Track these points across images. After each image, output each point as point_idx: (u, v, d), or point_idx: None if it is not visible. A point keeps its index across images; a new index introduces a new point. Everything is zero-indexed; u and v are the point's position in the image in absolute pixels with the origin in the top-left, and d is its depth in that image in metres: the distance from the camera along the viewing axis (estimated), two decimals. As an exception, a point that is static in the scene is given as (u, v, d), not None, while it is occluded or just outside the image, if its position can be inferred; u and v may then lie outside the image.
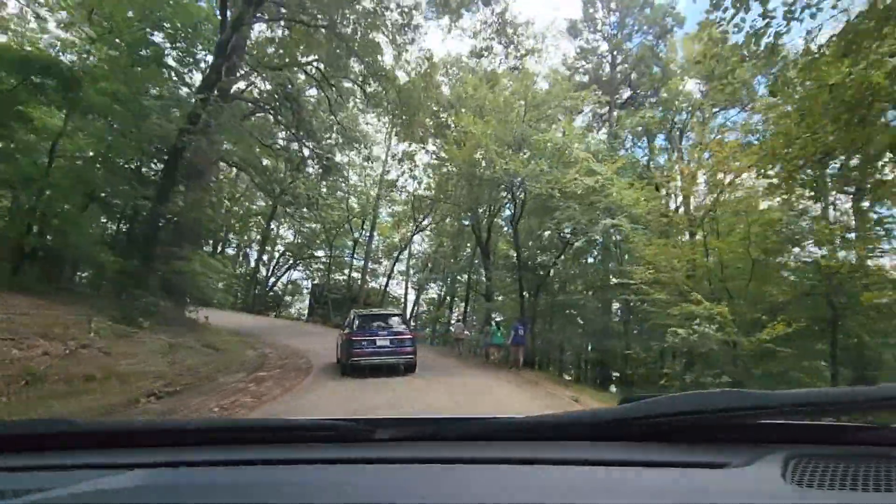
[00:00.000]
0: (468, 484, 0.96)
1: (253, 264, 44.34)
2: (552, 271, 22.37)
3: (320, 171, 25.72)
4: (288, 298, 52.57)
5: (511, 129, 17.84)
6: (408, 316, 44.91)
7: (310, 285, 49.72)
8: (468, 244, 35.34)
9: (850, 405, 1.06)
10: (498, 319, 23.97)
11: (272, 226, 46.78)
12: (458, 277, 37.13)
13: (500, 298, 31.10)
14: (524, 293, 21.54)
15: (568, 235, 18.74)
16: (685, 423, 1.08)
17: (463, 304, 41.68)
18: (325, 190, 38.57)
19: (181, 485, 0.99)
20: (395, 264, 42.87)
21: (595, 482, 0.95)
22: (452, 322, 26.94)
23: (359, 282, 41.68)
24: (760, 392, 1.07)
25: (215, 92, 13.17)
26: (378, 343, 11.46)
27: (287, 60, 18.15)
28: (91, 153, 14.81)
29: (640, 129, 21.70)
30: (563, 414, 1.30)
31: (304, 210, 29.80)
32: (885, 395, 1.01)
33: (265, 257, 47.34)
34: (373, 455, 1.09)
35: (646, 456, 1.03)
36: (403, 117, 26.10)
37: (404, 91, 18.19)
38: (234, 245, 48.61)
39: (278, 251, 47.35)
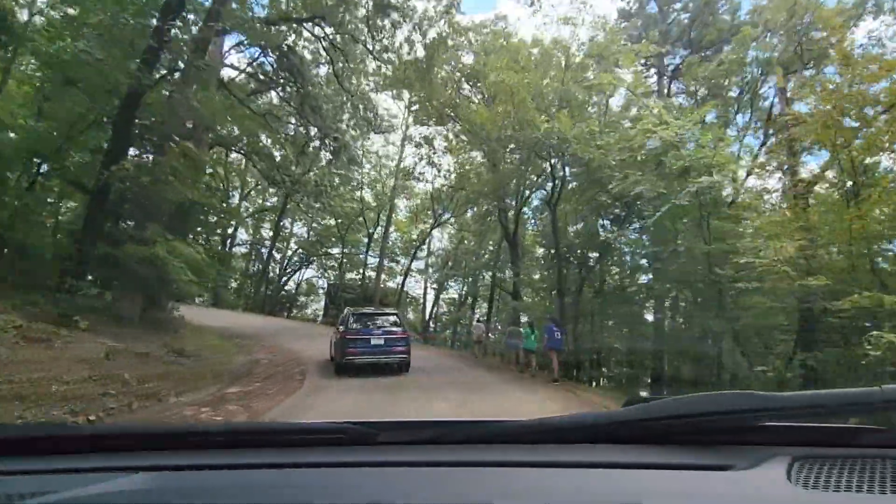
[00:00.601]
0: (473, 487, 0.96)
1: (265, 262, 41.92)
2: (596, 263, 19.00)
3: (329, 154, 23.05)
4: (303, 299, 50.40)
5: (552, 85, 14.66)
6: (427, 317, 42.46)
7: (325, 285, 47.26)
8: (492, 239, 32.29)
9: (856, 407, 1.04)
10: (528, 320, 20.58)
11: (285, 223, 44.73)
12: (482, 275, 33.97)
13: (528, 299, 28.07)
14: (561, 288, 18.35)
15: (621, 214, 15.34)
16: (689, 425, 1.08)
17: (486, 304, 38.84)
18: (337, 179, 36.13)
19: (186, 488, 0.98)
20: (412, 261, 40.01)
21: (599, 485, 0.95)
22: (473, 323, 23.44)
23: (374, 281, 38.97)
24: (764, 394, 1.08)
25: (177, 21, 10.50)
26: (372, 342, 11.18)
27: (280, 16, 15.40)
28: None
29: (712, 82, 17.51)
30: (566, 416, 1.28)
31: (314, 202, 27.05)
32: (887, 398, 0.98)
33: (278, 255, 45.17)
34: (378, 458, 1.10)
35: (649, 458, 1.03)
36: (422, 94, 23.39)
37: (428, 50, 15.17)
38: (246, 243, 46.71)
39: (291, 249, 45.05)
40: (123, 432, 1.36)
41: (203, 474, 1.05)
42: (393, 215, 38.35)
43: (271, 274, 44.04)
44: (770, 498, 0.87)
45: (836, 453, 1.01)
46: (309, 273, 47.87)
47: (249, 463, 1.08)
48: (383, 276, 41.37)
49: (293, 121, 22.74)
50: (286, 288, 45.38)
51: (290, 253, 45.05)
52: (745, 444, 1.06)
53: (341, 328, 11.85)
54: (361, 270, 41.55)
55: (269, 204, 43.15)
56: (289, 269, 45.60)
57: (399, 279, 41.38)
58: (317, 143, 21.75)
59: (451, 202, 34.24)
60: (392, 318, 12.40)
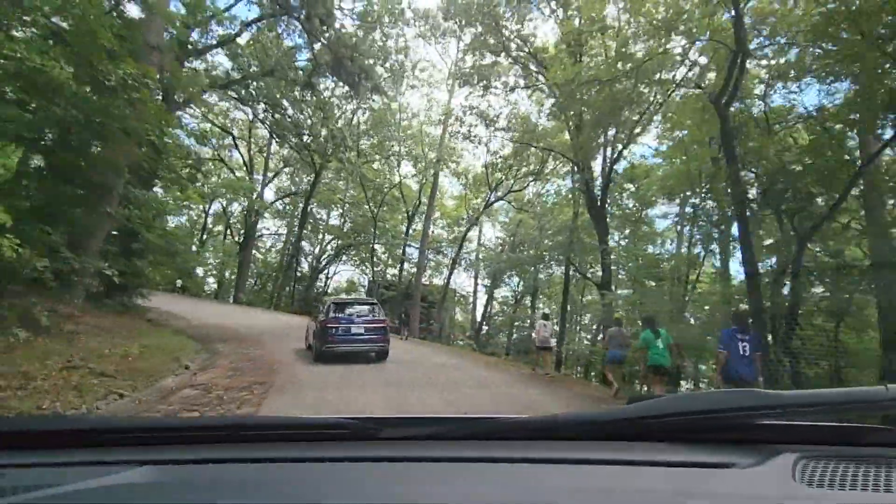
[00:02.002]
0: (476, 482, 0.96)
1: (290, 255, 36.58)
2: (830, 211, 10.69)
3: (350, 90, 16.97)
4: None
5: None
6: (478, 319, 36.10)
7: (366, 282, 41.59)
8: (562, 215, 25.29)
9: (860, 406, 1.03)
10: (648, 315, 12.53)
11: (321, 213, 39.32)
12: (551, 263, 26.78)
13: (624, 291, 20.95)
14: (752, 264, 10.78)
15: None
16: (692, 423, 1.08)
17: (553, 304, 31.74)
18: (365, 141, 30.21)
19: (191, 482, 0.99)
20: (459, 250, 33.38)
21: (602, 482, 0.95)
22: (536, 322, 15.19)
23: (414, 276, 32.71)
24: (769, 392, 1.06)
25: None
26: (353, 331, 11.20)
27: None
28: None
29: None
30: (569, 414, 1.35)
31: (330, 157, 20.89)
32: (893, 397, 0.97)
33: (312, 247, 39.76)
34: (381, 454, 1.08)
35: (653, 456, 1.02)
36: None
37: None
38: (272, 234, 41.64)
39: (322, 241, 39.59)
40: (128, 426, 1.36)
41: (206, 468, 1.05)
42: (436, 196, 32.08)
43: (305, 270, 38.81)
44: (774, 495, 0.86)
45: (841, 452, 1.01)
46: (348, 270, 42.65)
47: (252, 457, 1.08)
48: (427, 272, 35.30)
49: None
50: (322, 285, 40.00)
51: (325, 245, 39.67)
52: (749, 443, 1.06)
53: (321, 317, 11.49)
54: (400, 265, 35.54)
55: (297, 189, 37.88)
56: (323, 264, 40.19)
57: (446, 274, 34.99)
58: (328, 74, 15.86)
59: (510, 171, 27.62)
60: (372, 307, 12.17)
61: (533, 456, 1.04)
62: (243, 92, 18.20)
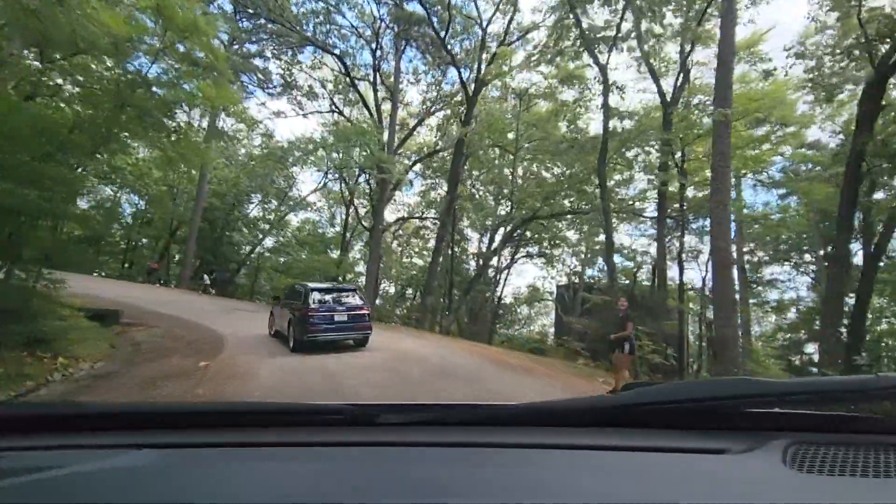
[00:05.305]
0: (473, 467, 0.96)
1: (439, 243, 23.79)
2: None
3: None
4: (524, 310, 31.78)
5: None
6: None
7: (554, 288, 30.52)
8: None
9: (851, 394, 1.05)
10: None
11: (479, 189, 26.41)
12: None
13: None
14: None
15: None
16: (686, 410, 1.09)
17: None
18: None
19: (190, 465, 0.99)
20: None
21: (596, 467, 0.95)
22: None
23: (656, 267, 17.58)
24: (761, 380, 1.08)
25: None
26: (336, 318, 10.79)
27: None
28: None
29: None
30: (563, 401, 1.28)
31: None
32: (884, 385, 0.99)
33: (483, 238, 26.77)
34: (377, 439, 1.09)
35: (646, 442, 1.03)
36: None
37: None
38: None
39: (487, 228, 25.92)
40: (130, 411, 1.32)
41: (206, 452, 1.05)
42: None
43: (470, 268, 25.86)
44: (765, 480, 0.87)
45: (832, 439, 1.01)
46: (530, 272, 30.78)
47: (251, 441, 1.09)
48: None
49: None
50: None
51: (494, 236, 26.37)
52: (742, 430, 1.06)
53: (299, 305, 10.85)
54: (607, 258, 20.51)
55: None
56: (506, 263, 26.72)
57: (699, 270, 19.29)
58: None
59: None
60: (353, 294, 11.71)
61: (530, 441, 1.05)
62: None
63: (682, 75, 18.34)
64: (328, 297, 11.11)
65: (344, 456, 1.02)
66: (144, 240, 34.91)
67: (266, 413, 1.26)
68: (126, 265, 33.26)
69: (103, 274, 31.48)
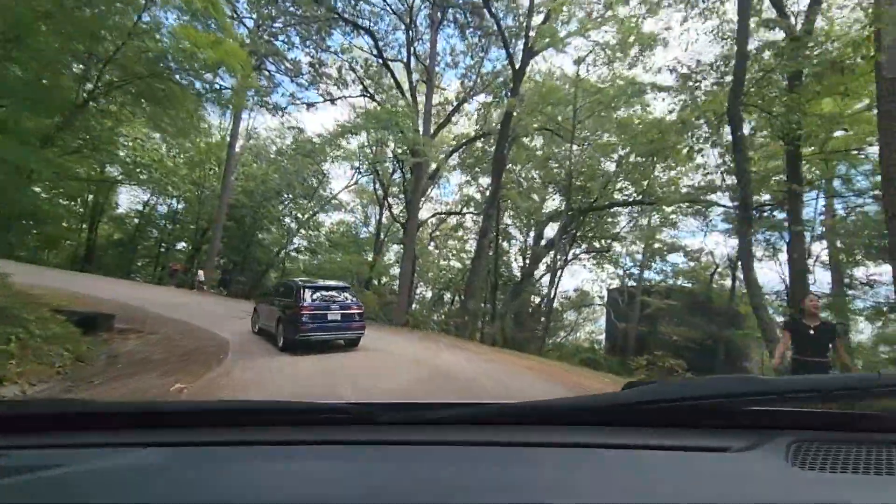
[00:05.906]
0: (474, 466, 0.95)
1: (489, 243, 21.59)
2: None
3: None
4: (571, 317, 29.20)
5: None
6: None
7: (605, 292, 26.29)
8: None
9: (852, 392, 1.05)
10: None
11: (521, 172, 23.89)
12: None
13: None
14: None
15: None
16: (687, 408, 1.07)
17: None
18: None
19: (195, 463, 0.98)
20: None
21: (598, 466, 0.94)
22: None
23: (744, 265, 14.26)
24: (762, 378, 1.10)
25: None
26: (329, 317, 10.30)
27: None
28: None
29: None
30: (563, 399, 1.25)
31: None
32: (886, 383, 0.99)
33: (526, 235, 24.06)
34: (379, 437, 1.09)
35: (648, 440, 1.01)
36: None
37: None
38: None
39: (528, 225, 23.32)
40: (133, 409, 1.31)
41: (210, 450, 1.05)
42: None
43: (515, 267, 23.50)
44: (767, 478, 0.87)
45: (834, 437, 1.00)
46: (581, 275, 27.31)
47: (255, 440, 1.09)
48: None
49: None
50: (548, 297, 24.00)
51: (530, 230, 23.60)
52: (743, 428, 1.05)
53: (293, 303, 10.22)
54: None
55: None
56: (560, 262, 24.04)
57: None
58: None
59: None
60: (346, 292, 11.08)
61: (530, 440, 1.05)
62: None
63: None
64: (321, 295, 10.59)
65: (347, 455, 1.03)
66: (181, 244, 34.53)
67: (269, 412, 1.24)
68: (160, 268, 32.73)
69: (136, 278, 31.01)
